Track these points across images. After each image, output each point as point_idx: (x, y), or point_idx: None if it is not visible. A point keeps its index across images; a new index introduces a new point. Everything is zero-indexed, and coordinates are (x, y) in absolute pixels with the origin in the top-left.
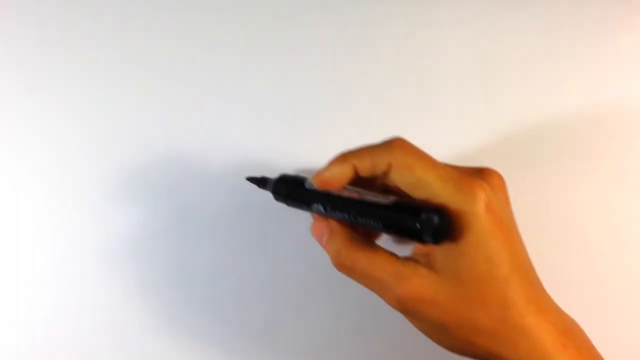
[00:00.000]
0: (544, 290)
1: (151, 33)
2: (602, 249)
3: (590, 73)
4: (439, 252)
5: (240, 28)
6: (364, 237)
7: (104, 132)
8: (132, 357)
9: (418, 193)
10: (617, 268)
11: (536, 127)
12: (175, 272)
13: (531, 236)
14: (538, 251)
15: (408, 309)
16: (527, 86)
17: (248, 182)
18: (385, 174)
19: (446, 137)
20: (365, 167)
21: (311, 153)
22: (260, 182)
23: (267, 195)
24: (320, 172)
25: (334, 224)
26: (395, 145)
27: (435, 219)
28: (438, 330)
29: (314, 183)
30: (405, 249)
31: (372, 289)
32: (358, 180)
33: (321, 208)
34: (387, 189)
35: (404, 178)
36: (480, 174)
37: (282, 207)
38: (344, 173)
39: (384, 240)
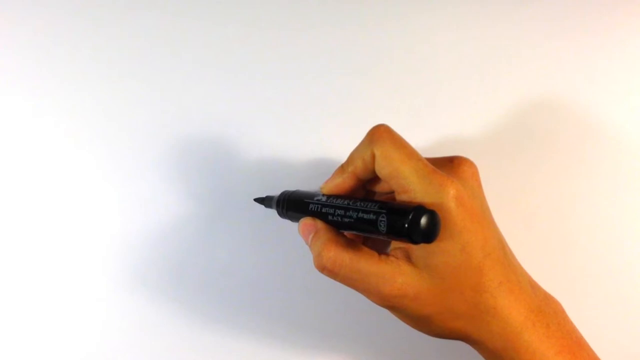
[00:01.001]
0: (517, 270)
1: (157, 32)
2: (590, 242)
3: (580, 68)
4: (416, 248)
5: (241, 28)
6: (346, 239)
7: (105, 132)
8: (135, 356)
9: (395, 184)
10: (603, 261)
11: (526, 122)
12: (179, 271)
13: (517, 229)
14: (523, 243)
15: (392, 305)
16: (519, 80)
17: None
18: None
19: (440, 132)
20: (359, 168)
21: (311, 153)
22: (265, 201)
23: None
24: (326, 183)
25: (319, 224)
26: (375, 134)
27: (424, 218)
28: (420, 321)
29: (322, 190)
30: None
31: (356, 289)
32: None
33: (315, 207)
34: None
35: (383, 168)
36: (451, 164)
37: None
38: (344, 182)
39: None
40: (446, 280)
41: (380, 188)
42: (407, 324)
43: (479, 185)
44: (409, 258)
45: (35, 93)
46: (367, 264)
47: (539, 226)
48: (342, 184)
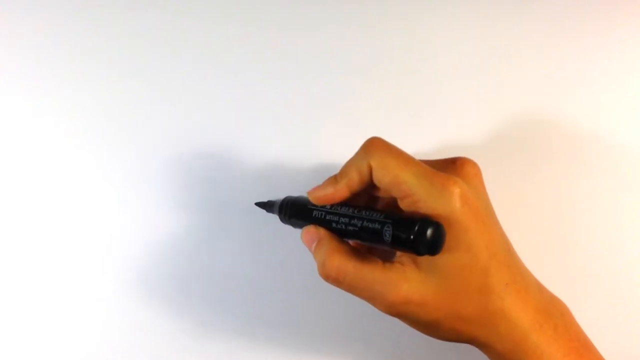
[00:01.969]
0: (523, 272)
1: (157, 33)
2: (590, 243)
3: (580, 68)
4: None
5: (241, 28)
6: (350, 247)
7: (105, 132)
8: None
9: (396, 192)
10: (604, 261)
11: (526, 122)
12: (180, 272)
13: (517, 229)
14: (524, 244)
15: (399, 312)
16: (519, 80)
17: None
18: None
19: (440, 132)
20: (354, 180)
21: (311, 153)
22: (267, 205)
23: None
24: (315, 190)
25: (322, 232)
26: (370, 146)
27: (430, 230)
28: (428, 326)
29: (309, 197)
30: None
31: (361, 297)
32: (364, 200)
33: (319, 214)
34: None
35: (382, 178)
36: (453, 165)
37: None
38: (337, 193)
39: None
40: (452, 281)
41: (383, 193)
42: (416, 329)
43: (482, 186)
44: (414, 262)
45: (35, 93)
46: (371, 271)
47: (539, 226)
48: (334, 194)
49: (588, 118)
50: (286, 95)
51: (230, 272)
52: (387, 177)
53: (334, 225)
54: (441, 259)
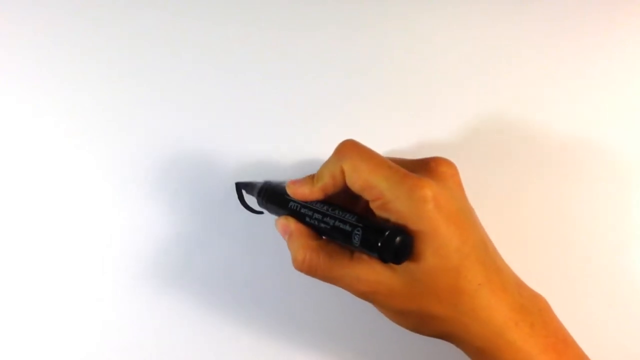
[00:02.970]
0: (501, 270)
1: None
2: (587, 243)
3: (579, 68)
4: None
5: (241, 28)
6: (321, 240)
7: (105, 132)
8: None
9: (367, 195)
10: (602, 261)
11: (526, 121)
12: (180, 271)
13: (518, 229)
14: (518, 245)
15: (369, 299)
16: (519, 80)
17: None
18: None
19: (440, 132)
20: (329, 184)
21: (311, 153)
22: (247, 186)
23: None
24: (294, 184)
25: (293, 227)
26: (343, 150)
27: (397, 240)
28: (398, 315)
29: (287, 189)
30: None
31: (335, 285)
32: (345, 197)
33: (294, 206)
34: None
35: (354, 182)
36: (428, 166)
37: None
38: (311, 194)
39: None
40: (420, 282)
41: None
42: (387, 317)
43: (459, 186)
44: None
45: (35, 93)
46: (340, 265)
47: (539, 226)
48: (309, 195)
49: (588, 118)
50: (286, 95)
51: (230, 271)
52: (358, 181)
53: (307, 219)
54: (409, 263)
